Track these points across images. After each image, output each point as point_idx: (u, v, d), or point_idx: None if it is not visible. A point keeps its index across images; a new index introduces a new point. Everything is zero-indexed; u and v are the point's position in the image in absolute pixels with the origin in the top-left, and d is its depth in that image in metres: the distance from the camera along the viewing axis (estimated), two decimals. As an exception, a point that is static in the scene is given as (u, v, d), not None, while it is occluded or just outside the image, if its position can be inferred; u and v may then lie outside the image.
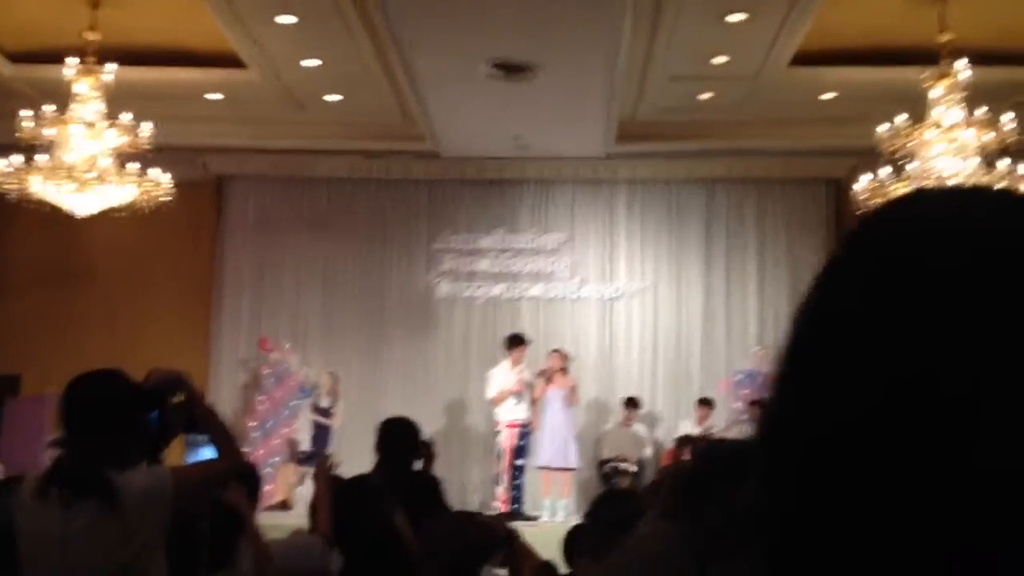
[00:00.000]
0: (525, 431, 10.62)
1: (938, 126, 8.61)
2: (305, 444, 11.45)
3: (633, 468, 11.06)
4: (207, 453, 3.34)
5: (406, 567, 4.10)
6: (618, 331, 12.30)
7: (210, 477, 3.02)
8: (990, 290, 0.55)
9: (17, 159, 9.09)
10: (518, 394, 10.54)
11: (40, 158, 9.01)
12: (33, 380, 12.00)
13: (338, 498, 4.19)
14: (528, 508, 10.45)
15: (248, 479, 4.02)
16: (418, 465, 4.64)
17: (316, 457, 9.84)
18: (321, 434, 11.32)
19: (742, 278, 12.29)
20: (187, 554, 3.16)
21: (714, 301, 12.30)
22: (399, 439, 4.45)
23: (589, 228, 12.50)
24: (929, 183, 8.57)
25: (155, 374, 2.89)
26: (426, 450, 4.67)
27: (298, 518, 8.07)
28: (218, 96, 10.91)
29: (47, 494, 2.57)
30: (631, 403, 11.41)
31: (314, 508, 4.57)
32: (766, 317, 12.18)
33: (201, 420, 2.95)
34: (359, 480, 4.45)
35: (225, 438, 2.98)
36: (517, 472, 10.57)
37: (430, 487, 4.49)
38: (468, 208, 12.57)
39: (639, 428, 11.44)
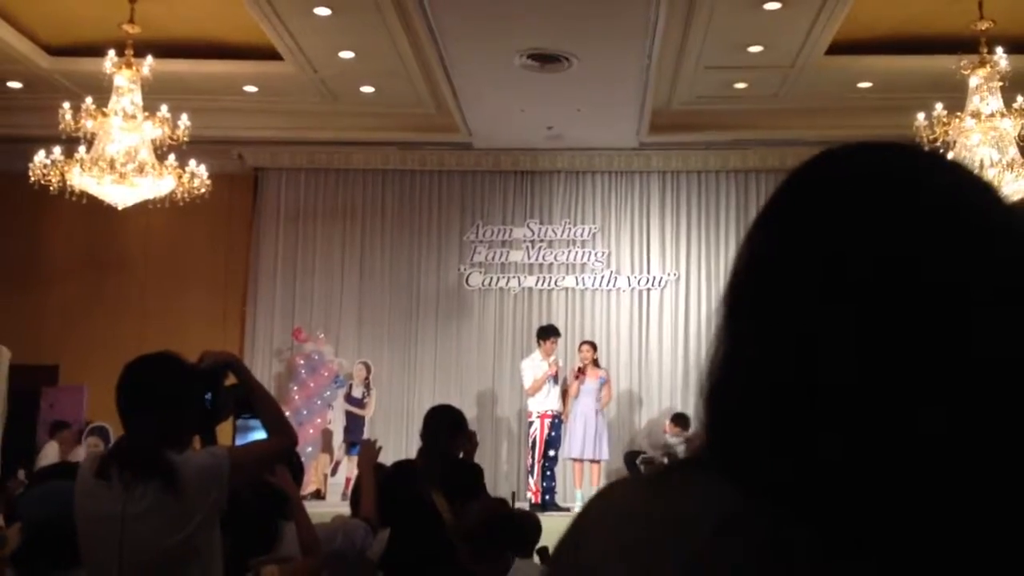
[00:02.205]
0: (557, 422, 10.64)
1: (976, 115, 8.53)
2: (338, 434, 11.54)
3: (664, 460, 11.04)
4: (259, 437, 3.38)
5: (448, 552, 4.14)
6: (651, 322, 12.29)
7: (264, 457, 3.03)
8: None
9: (57, 151, 9.20)
10: (554, 377, 10.57)
11: (80, 150, 9.12)
12: (70, 370, 12.17)
13: (384, 483, 4.23)
14: (560, 499, 10.48)
15: (292, 463, 4.07)
16: (460, 453, 4.68)
17: (355, 445, 9.96)
18: (354, 424, 11.40)
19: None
20: (235, 536, 3.19)
21: (747, 292, 12.23)
22: (443, 426, 4.49)
23: (622, 219, 12.48)
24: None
25: (208, 356, 2.92)
26: (468, 438, 4.70)
27: (331, 507, 8.17)
28: (254, 89, 11.00)
29: (108, 475, 2.60)
30: (679, 419, 11.23)
31: (356, 493, 4.62)
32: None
33: (254, 402, 2.98)
34: (404, 466, 4.50)
35: (277, 419, 3.00)
36: (548, 463, 10.59)
37: (472, 475, 4.52)
38: (501, 199, 12.60)
39: (678, 443, 11.36)
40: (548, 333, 10.80)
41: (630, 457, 10.91)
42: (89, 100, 8.92)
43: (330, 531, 4.00)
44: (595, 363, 10.79)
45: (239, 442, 3.46)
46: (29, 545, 3.19)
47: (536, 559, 6.02)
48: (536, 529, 5.83)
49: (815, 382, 0.60)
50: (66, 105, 8.91)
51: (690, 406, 11.99)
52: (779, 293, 0.64)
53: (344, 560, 4.01)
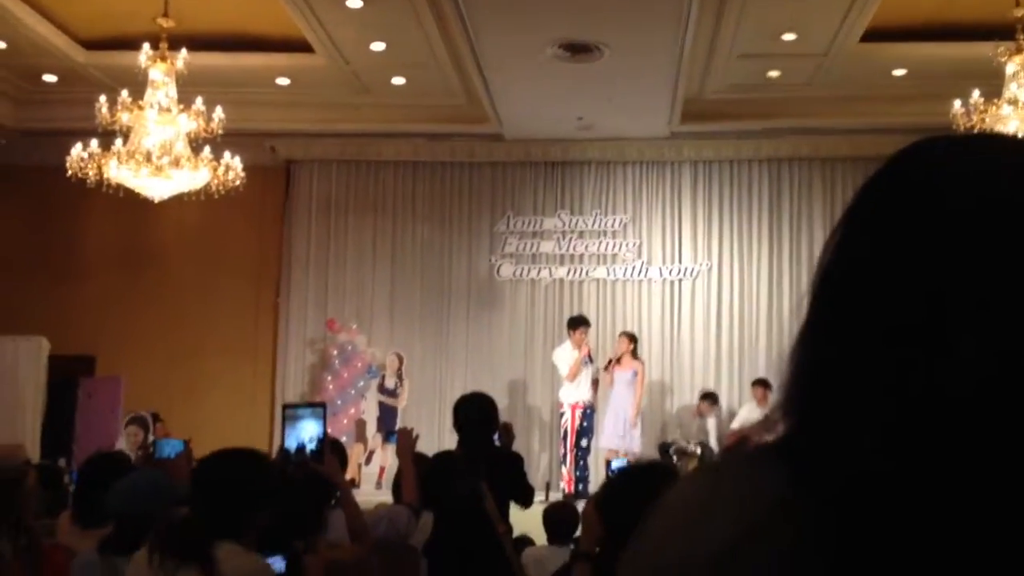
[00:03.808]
0: (588, 412, 10.65)
1: (1013, 102, 8.45)
2: (372, 424, 11.61)
3: (697, 451, 11.04)
4: (307, 426, 3.44)
5: (492, 539, 4.18)
6: (683, 312, 12.27)
7: None
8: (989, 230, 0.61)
9: (94, 144, 9.29)
10: (588, 358, 10.59)
11: (116, 143, 9.21)
12: (106, 361, 12.31)
13: (427, 475, 4.27)
14: (593, 488, 10.48)
15: (338, 451, 4.11)
16: (497, 441, 4.71)
17: (392, 435, 10.04)
18: (387, 414, 11.46)
19: (809, 258, 12.17)
20: (283, 522, 3.23)
21: (780, 282, 12.20)
22: (479, 415, 4.50)
23: (653, 209, 12.46)
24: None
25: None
26: (506, 429, 4.72)
27: (366, 496, 8.23)
28: (286, 81, 11.06)
29: (154, 561, 2.69)
30: (709, 397, 11.34)
31: (397, 481, 4.66)
32: (833, 298, 12.05)
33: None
34: (446, 457, 4.53)
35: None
36: (581, 453, 10.61)
37: (512, 463, 4.55)
38: (532, 190, 12.60)
39: (710, 422, 11.39)
40: (578, 323, 10.82)
41: (663, 448, 10.92)
42: (125, 93, 9.00)
43: (375, 518, 4.05)
44: (633, 354, 10.80)
45: (288, 432, 3.46)
46: (120, 534, 3.29)
47: (572, 547, 6.06)
48: (577, 518, 5.87)
49: (914, 380, 0.60)
50: (102, 98, 8.99)
51: (722, 394, 11.99)
52: (879, 291, 0.64)
53: (389, 547, 4.05)
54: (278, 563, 2.83)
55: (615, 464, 5.51)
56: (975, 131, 8.16)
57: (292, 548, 2.92)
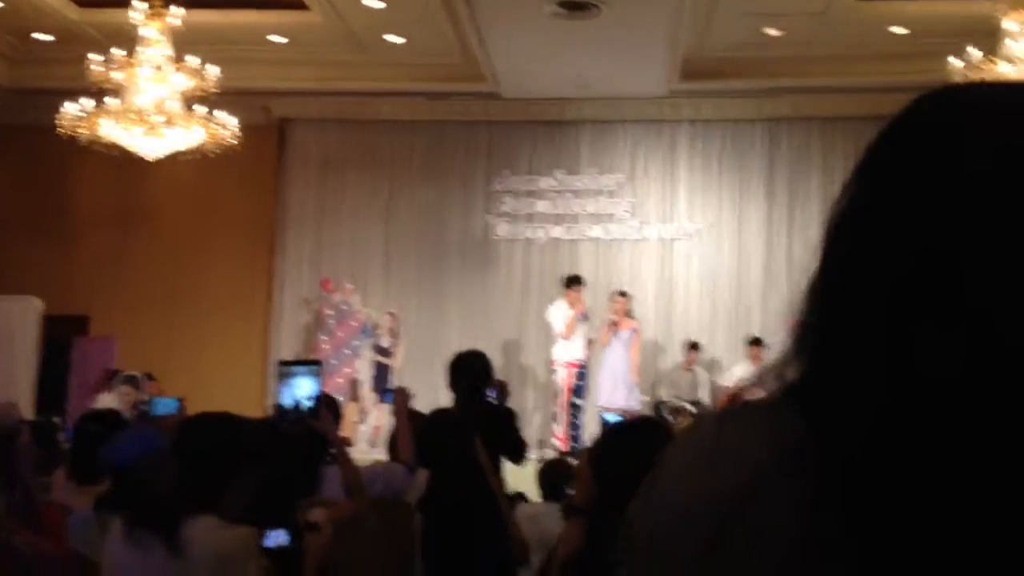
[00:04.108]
0: (582, 371, 10.69)
1: (1011, 59, 8.40)
2: (367, 383, 11.64)
3: (691, 408, 11.09)
4: (302, 383, 3.44)
5: (487, 495, 4.20)
6: (678, 272, 12.27)
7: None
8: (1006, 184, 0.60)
9: (88, 103, 9.23)
10: (583, 316, 10.60)
11: (110, 102, 9.14)
12: (100, 320, 12.31)
13: (423, 433, 4.28)
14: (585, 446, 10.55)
15: (333, 408, 4.13)
16: (492, 398, 4.72)
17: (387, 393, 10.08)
18: (382, 373, 11.48)
19: (805, 218, 12.14)
20: (280, 479, 3.24)
21: (776, 242, 12.19)
22: (473, 372, 4.51)
23: (650, 168, 12.41)
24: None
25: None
26: (501, 386, 4.74)
27: (360, 454, 8.26)
28: (281, 39, 10.96)
29: (133, 533, 2.61)
30: (693, 347, 11.41)
31: (393, 439, 4.68)
32: (829, 258, 12.06)
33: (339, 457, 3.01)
34: (442, 414, 4.54)
35: (357, 482, 3.08)
36: (575, 411, 10.66)
37: (507, 420, 4.56)
38: (528, 149, 12.55)
39: (699, 372, 11.45)
40: (573, 282, 10.83)
41: (657, 406, 10.97)
42: (118, 51, 8.92)
43: (370, 475, 4.07)
44: (627, 313, 10.82)
45: (282, 389, 3.45)
46: (114, 491, 3.31)
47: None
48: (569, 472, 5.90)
49: (913, 332, 0.60)
50: (95, 56, 8.91)
51: (717, 353, 12.03)
52: (889, 242, 0.64)
53: (384, 503, 4.08)
54: (282, 537, 2.75)
55: (608, 418, 5.53)
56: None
57: (293, 522, 2.84)
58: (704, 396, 11.31)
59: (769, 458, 0.64)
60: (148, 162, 9.90)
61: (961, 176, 0.62)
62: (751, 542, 0.63)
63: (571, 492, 5.91)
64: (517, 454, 4.54)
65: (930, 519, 0.57)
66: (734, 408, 0.72)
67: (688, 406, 11.10)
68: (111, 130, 9.18)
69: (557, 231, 12.39)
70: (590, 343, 10.78)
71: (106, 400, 10.45)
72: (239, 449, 2.71)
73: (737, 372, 11.41)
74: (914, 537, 0.57)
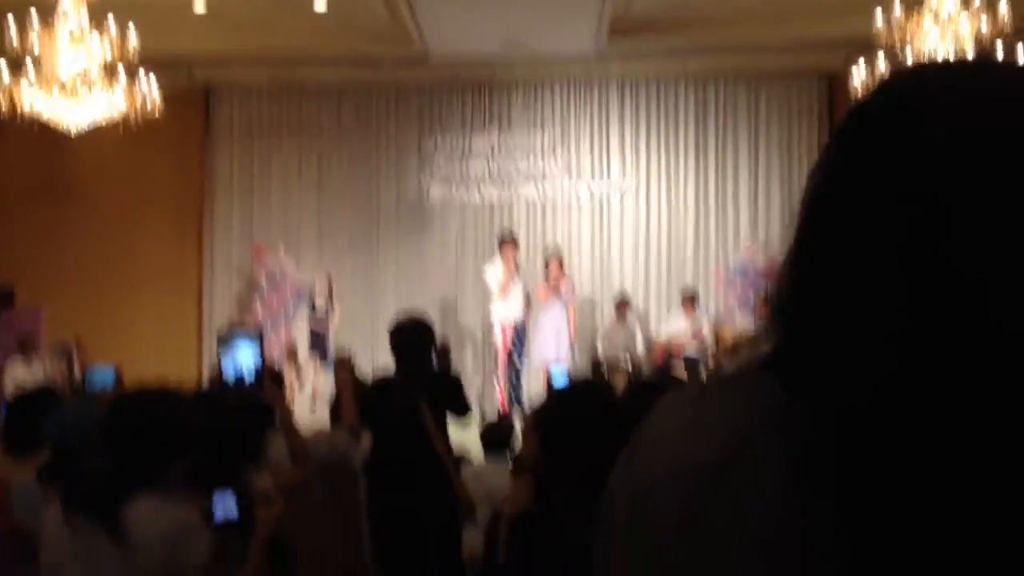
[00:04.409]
0: (520, 330, 10.76)
1: (935, 15, 8.55)
2: (303, 348, 11.57)
3: (627, 363, 11.23)
4: (243, 352, 3.42)
5: (433, 461, 4.24)
6: (611, 229, 12.38)
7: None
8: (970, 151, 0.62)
9: (4, 73, 8.95)
10: (516, 273, 10.64)
11: (28, 70, 8.87)
12: (27, 294, 12.04)
13: (368, 399, 4.29)
14: (528, 405, 10.64)
15: (276, 378, 4.11)
16: (435, 364, 4.73)
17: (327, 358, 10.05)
18: (318, 338, 11.42)
19: (735, 174, 12.32)
20: (224, 447, 3.23)
21: (707, 198, 12.35)
22: (414, 339, 4.51)
23: (582, 128, 12.45)
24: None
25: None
26: (444, 351, 4.76)
27: (300, 419, 8.23)
28: (203, 2, 10.68)
29: (72, 518, 2.53)
30: (623, 302, 11.54)
31: (335, 405, 4.69)
32: (758, 212, 12.26)
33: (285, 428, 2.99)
34: (386, 380, 4.55)
35: (302, 449, 3.03)
36: (514, 371, 10.74)
37: (452, 386, 4.58)
38: (459, 111, 12.49)
39: (633, 325, 11.59)
40: (505, 240, 10.88)
41: (595, 363, 11.09)
42: (34, 19, 8.64)
43: (315, 441, 4.07)
44: (563, 272, 10.90)
45: (224, 356, 3.42)
46: (53, 462, 3.28)
47: (510, 462, 6.17)
48: (511, 432, 5.97)
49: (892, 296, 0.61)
50: (11, 22, 8.63)
51: (651, 309, 12.20)
52: (860, 211, 0.65)
53: (329, 469, 4.09)
54: (231, 506, 2.70)
55: (553, 370, 5.58)
56: (969, 57, 8.27)
57: (243, 492, 2.80)
58: (639, 350, 11.46)
59: (750, 428, 0.65)
60: (72, 136, 9.64)
61: (925, 137, 0.64)
62: (732, 513, 0.64)
63: (515, 451, 5.99)
64: (462, 411, 4.56)
65: (923, 494, 0.58)
66: (714, 378, 0.74)
67: (624, 362, 11.24)
68: (31, 100, 8.91)
69: (491, 192, 12.39)
70: (528, 302, 10.84)
71: (18, 368, 10.27)
72: (180, 425, 2.64)
73: (672, 326, 11.58)
74: (903, 507, 0.58)
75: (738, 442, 0.65)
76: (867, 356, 0.61)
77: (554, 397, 2.95)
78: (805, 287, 0.67)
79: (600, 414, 2.64)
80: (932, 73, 0.70)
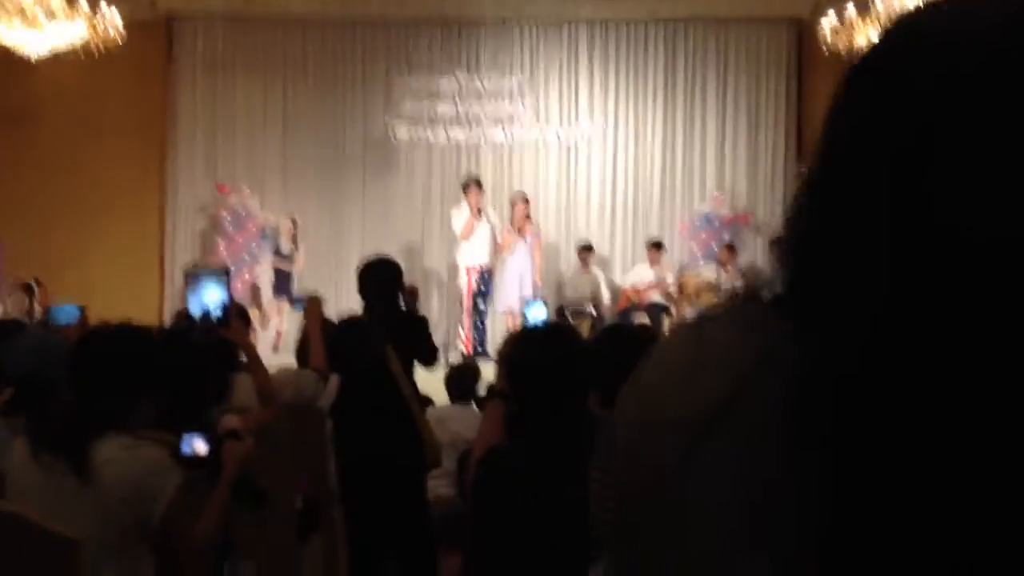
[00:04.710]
0: (485, 275, 10.75)
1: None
2: (266, 288, 11.51)
3: (592, 311, 11.28)
4: (210, 291, 3.38)
5: (399, 400, 4.24)
6: (579, 174, 12.34)
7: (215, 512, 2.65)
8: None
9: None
10: (480, 216, 10.60)
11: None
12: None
13: (333, 339, 4.27)
14: (491, 350, 10.67)
15: (243, 317, 4.08)
16: (403, 305, 4.71)
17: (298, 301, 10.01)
18: (282, 279, 11.36)
19: (702, 121, 12.30)
20: (188, 388, 3.21)
21: (674, 145, 12.33)
22: (383, 280, 4.48)
23: (551, 70, 12.34)
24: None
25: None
26: (411, 292, 4.73)
27: (263, 360, 8.20)
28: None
29: (39, 455, 2.50)
30: (586, 248, 11.55)
31: (302, 346, 4.66)
32: (725, 161, 12.28)
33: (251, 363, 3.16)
34: (352, 320, 4.53)
35: (269, 389, 3.09)
36: (478, 315, 10.74)
37: (418, 326, 4.57)
38: (426, 49, 12.33)
39: (597, 272, 11.62)
40: (469, 184, 10.81)
41: (559, 310, 11.12)
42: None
43: (281, 382, 4.06)
44: (529, 217, 10.86)
45: (190, 296, 3.37)
46: (18, 397, 3.25)
47: (474, 405, 6.20)
48: (478, 377, 5.99)
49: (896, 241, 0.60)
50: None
51: (616, 255, 12.23)
52: (855, 145, 0.65)
53: (295, 410, 4.08)
54: (199, 443, 2.69)
55: (529, 310, 5.57)
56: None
57: (210, 431, 2.78)
58: (604, 297, 11.50)
59: (753, 366, 0.65)
60: (31, 63, 9.41)
61: (919, 74, 0.63)
62: (732, 452, 0.64)
63: (479, 398, 6.01)
64: (429, 358, 4.56)
65: (921, 443, 0.57)
66: (714, 316, 0.73)
67: (588, 307, 11.29)
68: (-11, 27, 8.69)
69: (458, 134, 12.28)
70: (497, 247, 10.80)
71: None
72: (149, 363, 2.61)
73: (637, 274, 11.63)
74: (900, 452, 0.57)
75: (740, 381, 0.65)
76: (855, 296, 0.61)
77: (522, 336, 2.96)
78: (808, 224, 0.67)
79: (567, 354, 2.67)
80: (933, 12, 0.69)
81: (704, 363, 0.69)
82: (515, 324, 10.52)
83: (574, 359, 2.67)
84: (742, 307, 0.72)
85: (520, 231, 10.70)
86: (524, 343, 2.83)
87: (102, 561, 2.41)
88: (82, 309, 4.62)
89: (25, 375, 3.28)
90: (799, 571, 0.60)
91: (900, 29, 0.68)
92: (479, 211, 10.66)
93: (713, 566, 0.64)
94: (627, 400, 0.75)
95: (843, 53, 9.44)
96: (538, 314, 5.27)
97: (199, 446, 2.63)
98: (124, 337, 2.64)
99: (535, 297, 10.63)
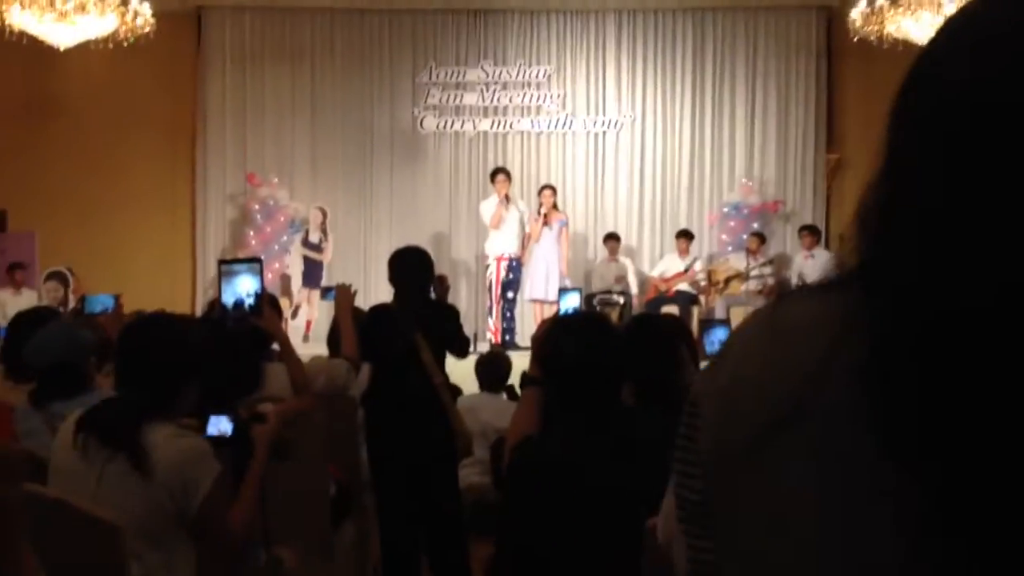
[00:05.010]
0: (514, 264, 10.74)
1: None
2: (296, 278, 11.58)
3: (620, 300, 11.25)
4: (243, 281, 3.41)
5: (430, 389, 4.26)
6: (606, 164, 12.31)
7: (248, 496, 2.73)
8: None
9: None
10: (507, 205, 10.58)
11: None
12: (18, 216, 11.94)
13: (364, 328, 4.30)
14: (519, 339, 10.69)
15: (275, 306, 4.11)
16: (432, 294, 4.72)
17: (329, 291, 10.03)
18: (312, 268, 11.42)
19: (731, 109, 12.23)
20: (222, 378, 3.23)
21: (703, 133, 12.27)
22: (414, 268, 4.49)
23: (578, 60, 12.31)
24: (927, 10, 8.49)
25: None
26: (441, 281, 4.74)
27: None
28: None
29: (85, 443, 2.53)
30: (612, 237, 11.51)
31: (333, 335, 4.70)
32: (754, 149, 12.20)
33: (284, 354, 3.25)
34: (382, 309, 4.55)
35: (303, 379, 3.20)
36: (507, 304, 10.74)
37: (449, 315, 4.58)
38: (454, 40, 12.33)
39: (624, 261, 11.59)
40: (496, 173, 10.81)
41: (588, 299, 11.10)
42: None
43: (313, 371, 4.09)
44: (554, 207, 10.83)
45: (224, 288, 3.40)
46: (42, 387, 3.30)
47: (504, 395, 6.22)
48: (508, 366, 6.01)
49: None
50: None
51: (644, 245, 12.20)
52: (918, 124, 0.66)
53: (328, 399, 4.11)
54: (224, 424, 2.74)
55: (564, 299, 5.59)
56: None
57: (235, 414, 2.82)
58: (632, 287, 11.47)
59: (839, 334, 0.66)
60: (62, 54, 9.51)
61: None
62: (823, 421, 0.65)
63: (509, 387, 6.02)
64: (461, 349, 4.57)
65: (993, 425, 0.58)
66: (788, 293, 0.74)
67: (616, 297, 11.26)
68: (20, 17, 8.77)
69: (485, 124, 12.29)
70: (526, 237, 10.78)
71: (5, 296, 10.24)
72: (189, 350, 2.64)
73: (666, 264, 11.60)
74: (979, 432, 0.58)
75: (827, 348, 0.66)
76: (922, 261, 0.63)
77: (556, 323, 2.96)
78: (890, 195, 0.68)
79: (601, 342, 2.66)
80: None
81: (792, 333, 0.70)
82: (542, 313, 10.53)
83: (608, 347, 2.67)
84: (820, 285, 0.74)
85: (546, 219, 10.67)
86: (558, 330, 2.83)
87: (143, 547, 2.46)
88: (116, 298, 4.67)
89: (49, 366, 3.34)
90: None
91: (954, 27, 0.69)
92: (507, 199, 10.65)
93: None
94: (715, 373, 0.76)
95: (873, 40, 9.37)
96: (573, 303, 5.28)
97: (224, 427, 2.67)
98: (166, 326, 2.68)
99: (561, 286, 10.64)
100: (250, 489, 2.68)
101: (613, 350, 2.68)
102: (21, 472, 2.42)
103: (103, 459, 2.49)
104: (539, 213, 10.75)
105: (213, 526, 2.53)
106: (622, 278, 11.37)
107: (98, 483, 2.49)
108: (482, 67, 12.25)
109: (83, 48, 9.64)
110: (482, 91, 12.26)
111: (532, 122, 12.27)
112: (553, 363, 2.71)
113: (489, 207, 10.73)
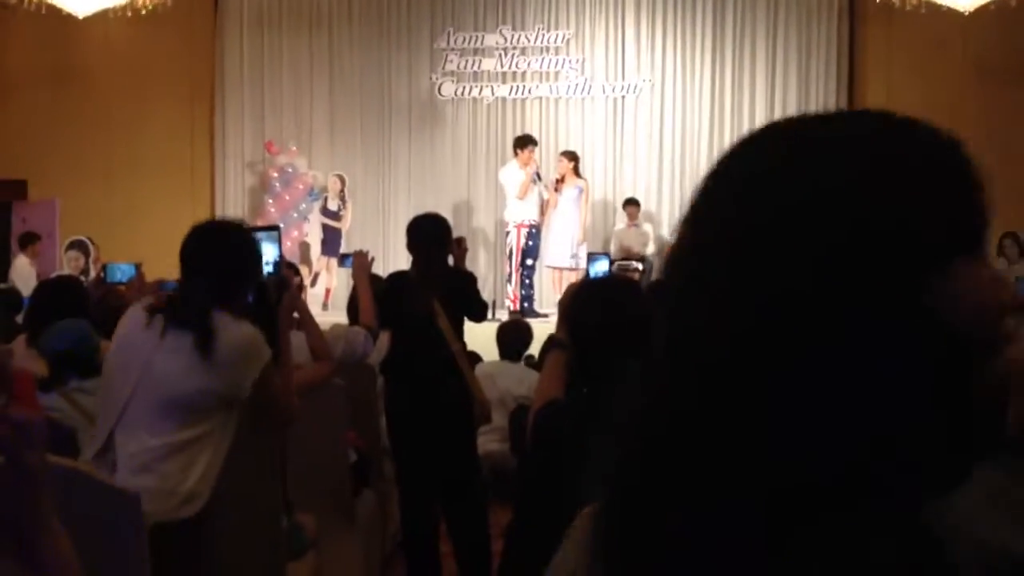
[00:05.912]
0: (534, 231, 10.70)
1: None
2: (315, 246, 11.59)
3: (639, 266, 11.21)
4: (264, 248, 3.41)
5: (448, 356, 4.27)
6: (626, 130, 12.23)
7: (305, 384, 3.25)
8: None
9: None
10: (537, 176, 10.53)
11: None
12: (38, 184, 12.01)
13: (382, 295, 4.30)
14: (538, 306, 10.68)
15: (295, 273, 4.12)
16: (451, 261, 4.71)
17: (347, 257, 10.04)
18: (331, 236, 11.42)
19: (751, 73, 12.11)
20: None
21: (722, 98, 12.16)
22: (432, 235, 4.48)
23: (597, 25, 12.20)
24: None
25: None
26: (459, 243, 4.73)
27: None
28: None
29: (152, 319, 2.76)
30: (631, 202, 11.45)
31: (352, 303, 4.70)
32: (775, 113, 12.07)
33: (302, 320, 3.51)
34: (400, 276, 4.55)
35: (323, 345, 3.47)
36: (526, 271, 10.71)
37: (467, 282, 4.58)
38: (471, 6, 12.24)
39: (645, 227, 11.54)
40: (525, 142, 10.70)
41: (610, 265, 11.07)
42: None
43: (332, 339, 4.10)
44: (576, 172, 10.76)
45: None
46: (55, 372, 3.35)
47: (522, 363, 6.22)
48: (529, 335, 6.02)
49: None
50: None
51: (664, 211, 12.14)
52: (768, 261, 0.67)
53: (347, 366, 4.12)
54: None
55: (594, 265, 5.61)
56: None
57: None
58: (651, 251, 11.42)
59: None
60: (79, 20, 9.50)
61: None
62: None
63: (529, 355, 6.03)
64: (479, 314, 4.57)
65: None
66: None
67: (635, 263, 11.22)
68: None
69: (503, 90, 12.22)
70: (544, 204, 10.73)
71: (22, 263, 10.29)
72: (248, 251, 2.89)
73: (683, 229, 11.52)
74: None
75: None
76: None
77: (583, 286, 2.94)
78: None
79: (627, 305, 2.64)
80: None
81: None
82: (561, 279, 10.52)
83: (635, 311, 2.65)
84: None
85: (562, 184, 10.59)
86: (585, 293, 2.81)
87: (196, 422, 2.69)
88: (138, 267, 4.69)
89: (60, 353, 3.38)
90: None
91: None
92: (538, 177, 10.55)
93: None
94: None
95: (895, 2, 9.25)
96: (602, 268, 5.25)
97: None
98: (233, 231, 2.92)
99: (577, 252, 10.61)
100: (286, 364, 3.03)
101: (640, 315, 2.66)
102: (44, 440, 2.45)
103: (169, 335, 2.71)
104: (555, 180, 10.69)
105: (267, 402, 2.84)
106: (643, 245, 11.34)
107: (155, 351, 2.70)
108: (500, 32, 12.17)
109: (101, 16, 9.65)
110: (500, 56, 12.18)
111: (551, 88, 12.19)
112: (580, 326, 2.70)
113: (513, 176, 10.61)
